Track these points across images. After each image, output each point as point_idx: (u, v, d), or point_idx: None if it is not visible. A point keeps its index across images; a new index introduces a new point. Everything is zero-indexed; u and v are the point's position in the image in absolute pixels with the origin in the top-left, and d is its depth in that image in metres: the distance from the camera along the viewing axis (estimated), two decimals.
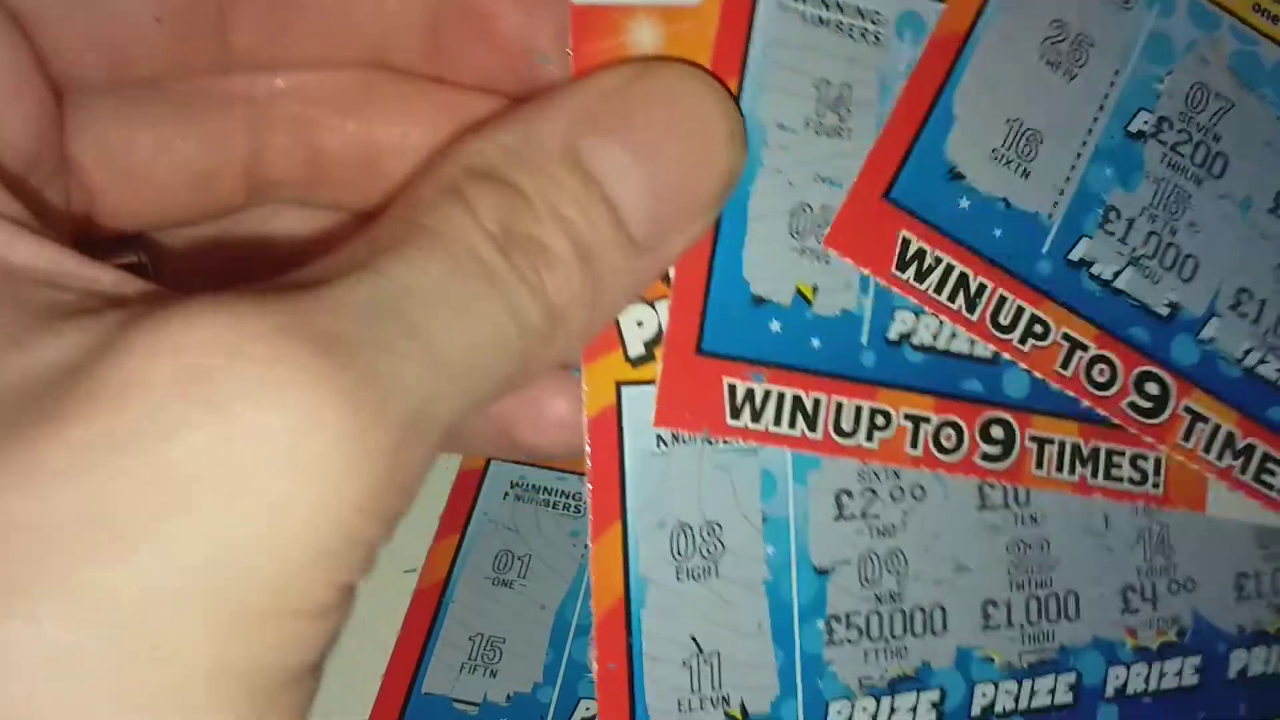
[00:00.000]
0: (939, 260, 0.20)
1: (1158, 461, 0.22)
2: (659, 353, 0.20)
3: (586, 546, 0.37)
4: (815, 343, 0.20)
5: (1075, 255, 0.21)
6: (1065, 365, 0.21)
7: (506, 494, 0.38)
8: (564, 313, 0.17)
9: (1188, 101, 0.21)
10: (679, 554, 0.20)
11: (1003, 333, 0.21)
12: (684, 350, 0.20)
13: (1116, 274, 0.21)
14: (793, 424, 0.20)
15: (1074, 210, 0.21)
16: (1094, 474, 0.22)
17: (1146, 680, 0.23)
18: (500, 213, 0.16)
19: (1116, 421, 0.21)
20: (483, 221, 0.16)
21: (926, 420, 0.21)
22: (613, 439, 0.20)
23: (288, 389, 0.12)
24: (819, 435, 0.20)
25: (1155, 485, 0.22)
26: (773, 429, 0.20)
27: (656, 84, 0.18)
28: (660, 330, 0.20)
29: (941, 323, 0.20)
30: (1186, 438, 0.22)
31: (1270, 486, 0.22)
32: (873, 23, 0.20)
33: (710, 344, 0.20)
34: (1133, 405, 0.21)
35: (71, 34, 0.17)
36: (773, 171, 0.20)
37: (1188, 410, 0.22)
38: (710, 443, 0.21)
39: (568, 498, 0.38)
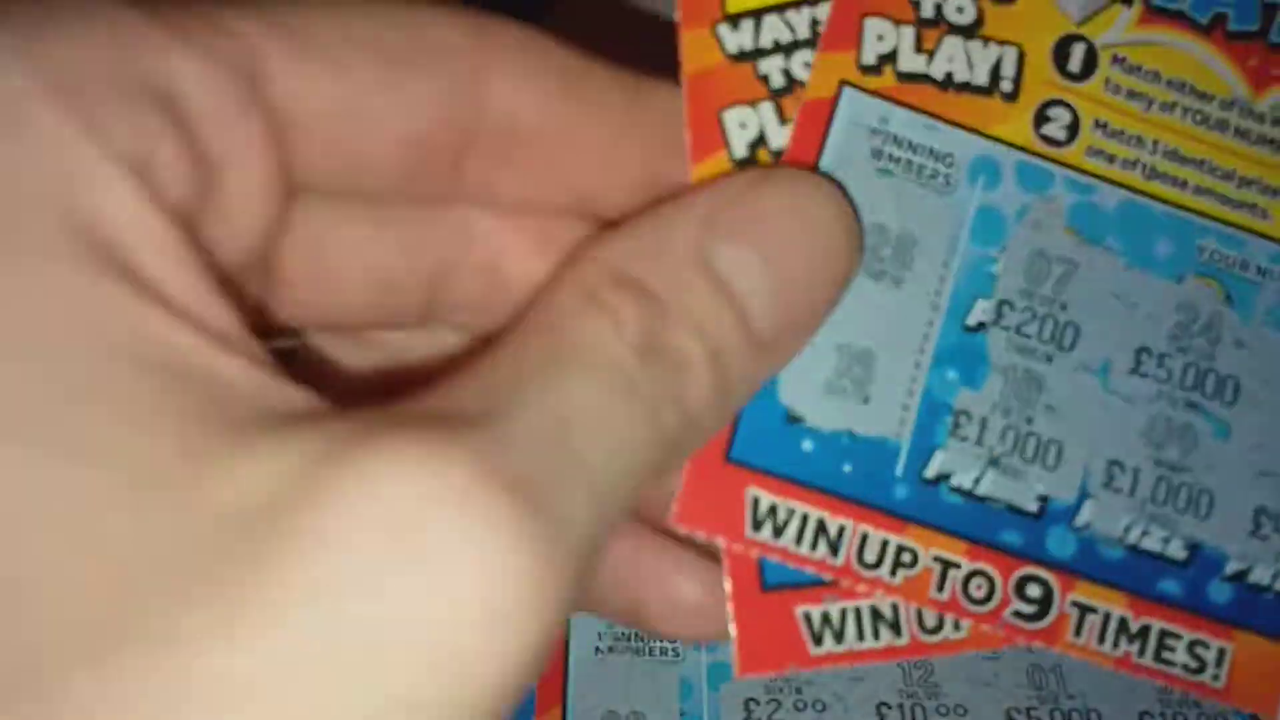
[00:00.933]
0: (792, 512, 0.20)
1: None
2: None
3: None
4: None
5: (930, 471, 0.20)
6: (940, 588, 0.20)
7: None
8: (698, 420, 0.17)
9: (1027, 275, 0.20)
10: None
11: (871, 570, 0.20)
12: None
13: (977, 480, 0.20)
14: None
15: (922, 424, 0.20)
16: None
17: None
18: (641, 321, 0.16)
19: (1010, 635, 0.20)
20: (625, 334, 0.16)
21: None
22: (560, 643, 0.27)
23: (488, 543, 0.13)
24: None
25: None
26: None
27: (779, 187, 0.18)
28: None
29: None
30: (1078, 633, 0.20)
31: (1171, 664, 0.20)
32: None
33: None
34: (1017, 614, 0.20)
35: (323, 142, 0.17)
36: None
37: (1075, 605, 0.20)
38: (639, 655, 0.26)
39: None
